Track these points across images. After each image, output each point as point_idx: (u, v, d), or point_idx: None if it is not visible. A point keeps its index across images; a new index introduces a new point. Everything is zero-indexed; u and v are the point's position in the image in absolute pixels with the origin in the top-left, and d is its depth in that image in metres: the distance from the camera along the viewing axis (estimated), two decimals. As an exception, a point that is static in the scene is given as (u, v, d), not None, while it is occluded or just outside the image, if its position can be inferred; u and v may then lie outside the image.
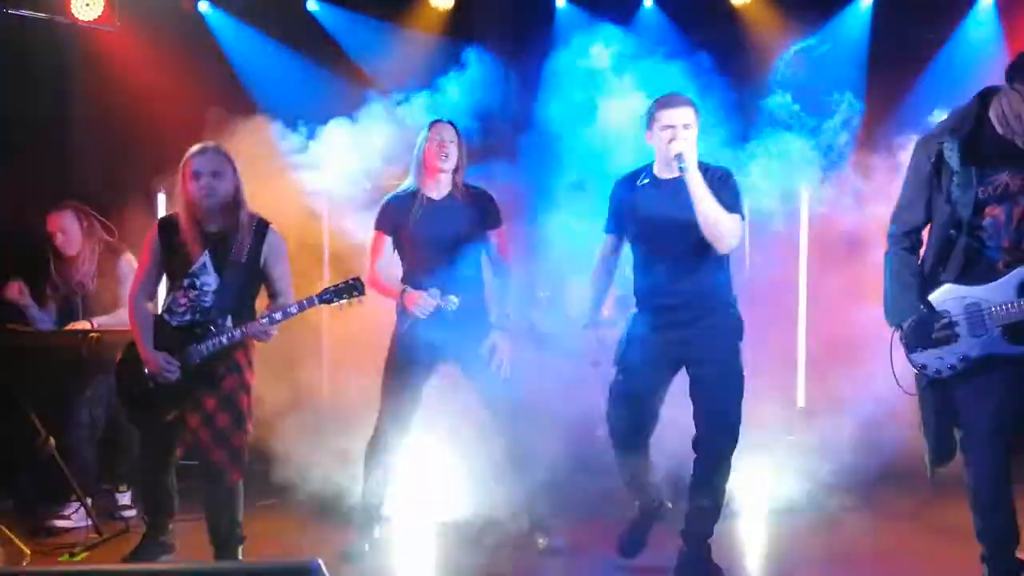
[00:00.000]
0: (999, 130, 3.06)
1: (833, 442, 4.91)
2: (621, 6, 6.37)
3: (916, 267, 3.22)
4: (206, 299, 3.75)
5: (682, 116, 3.58)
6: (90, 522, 4.49)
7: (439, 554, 4.31)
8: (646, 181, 3.70)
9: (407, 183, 4.19)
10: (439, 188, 4.12)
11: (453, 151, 4.07)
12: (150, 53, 6.14)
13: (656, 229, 3.64)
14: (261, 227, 3.80)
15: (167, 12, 6.30)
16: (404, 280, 4.12)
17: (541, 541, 4.15)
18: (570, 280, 5.77)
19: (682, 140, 3.53)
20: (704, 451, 3.62)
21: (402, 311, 4.09)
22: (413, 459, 4.70)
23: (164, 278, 3.93)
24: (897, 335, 3.23)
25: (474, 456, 4.72)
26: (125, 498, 4.89)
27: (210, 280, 3.76)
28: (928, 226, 3.24)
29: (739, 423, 3.61)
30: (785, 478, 4.74)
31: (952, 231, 3.12)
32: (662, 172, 3.68)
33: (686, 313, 3.61)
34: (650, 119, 3.66)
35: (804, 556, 4.15)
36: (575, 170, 5.85)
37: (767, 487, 4.74)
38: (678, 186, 3.56)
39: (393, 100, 5.53)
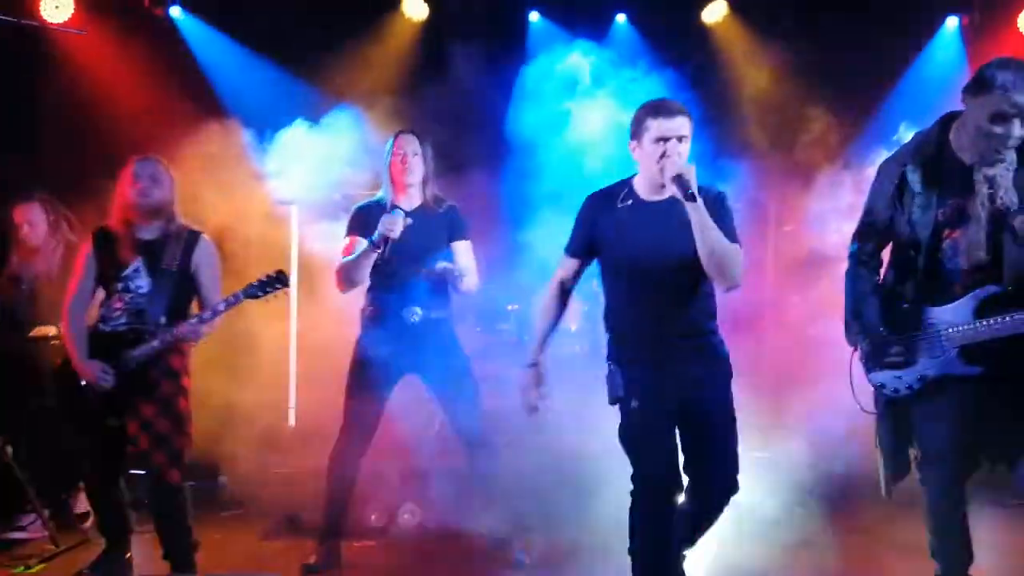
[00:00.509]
0: (957, 153, 3.11)
1: (796, 458, 4.95)
2: (594, 21, 6.40)
3: (876, 286, 3.26)
4: (140, 301, 3.80)
5: (678, 126, 3.11)
6: (47, 533, 4.43)
7: (402, 569, 4.29)
8: (629, 203, 3.21)
9: (379, 193, 4.19)
10: (409, 200, 4.11)
11: (416, 164, 4.06)
12: (120, 57, 6.10)
13: (643, 259, 3.16)
14: (192, 236, 3.89)
15: (137, 16, 6.26)
16: (369, 291, 4.10)
17: (511, 555, 4.13)
18: (538, 293, 5.80)
19: (679, 156, 3.08)
20: (706, 497, 3.23)
21: (365, 323, 4.07)
22: (377, 472, 4.70)
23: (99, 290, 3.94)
24: (856, 353, 3.27)
25: (440, 469, 4.73)
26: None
27: (143, 284, 3.81)
28: (889, 246, 3.28)
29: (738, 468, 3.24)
30: (748, 494, 4.76)
31: (912, 252, 3.16)
32: (648, 192, 3.21)
33: (677, 351, 3.16)
34: (637, 128, 3.18)
35: (765, 571, 4.16)
36: (548, 182, 5.88)
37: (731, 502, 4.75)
38: (668, 209, 3.12)
39: (364, 109, 5.54)
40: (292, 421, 5.77)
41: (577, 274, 3.38)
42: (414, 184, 4.08)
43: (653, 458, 3.13)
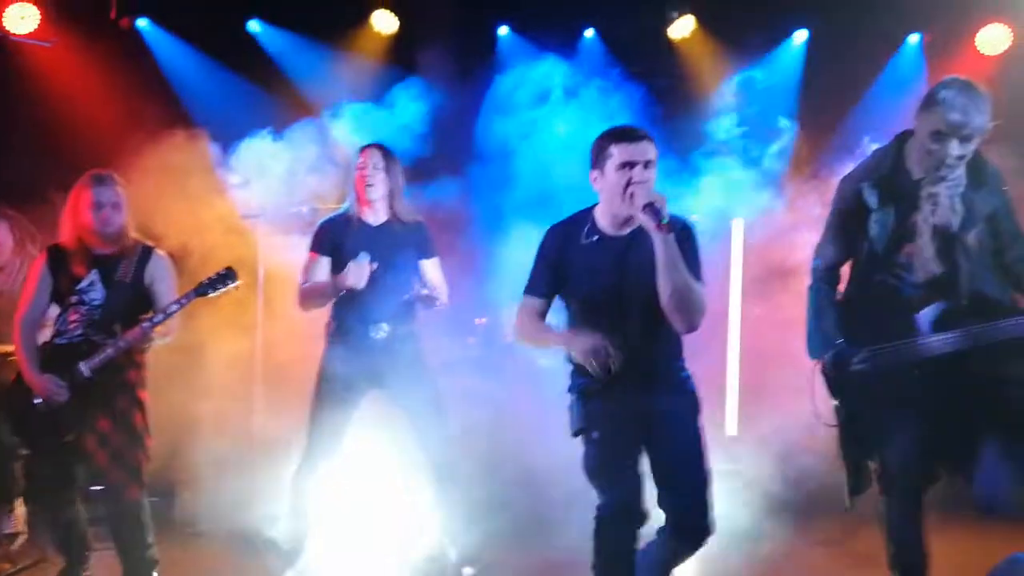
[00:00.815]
0: (910, 170, 3.17)
1: (762, 470, 4.99)
2: (562, 35, 6.44)
3: (836, 301, 3.30)
4: (95, 313, 3.79)
5: (643, 151, 2.95)
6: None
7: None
8: (594, 238, 3.06)
9: (345, 205, 4.16)
10: (376, 214, 4.08)
11: (379, 179, 4.01)
12: (86, 68, 6.06)
13: (610, 297, 3.03)
14: (146, 250, 3.91)
15: (104, 27, 6.22)
16: (334, 306, 4.08)
17: (466, 570, 4.12)
18: (508, 306, 5.81)
19: (646, 184, 2.92)
20: (678, 536, 3.12)
21: (330, 338, 4.05)
22: (340, 488, 4.68)
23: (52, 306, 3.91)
24: (818, 367, 3.31)
25: (402, 485, 4.71)
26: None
27: (98, 296, 3.81)
28: (850, 261, 3.33)
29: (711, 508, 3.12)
30: (715, 506, 4.79)
31: (870, 267, 3.21)
32: (613, 226, 3.05)
33: (641, 388, 3.04)
34: (599, 156, 3.01)
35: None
36: (517, 194, 5.91)
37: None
38: (634, 243, 3.01)
39: (332, 122, 5.54)
40: (256, 436, 5.73)
41: (544, 313, 3.18)
42: (376, 199, 4.05)
43: (615, 489, 3.02)
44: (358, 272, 3.86)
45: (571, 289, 3.11)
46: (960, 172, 3.08)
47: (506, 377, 5.47)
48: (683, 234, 2.99)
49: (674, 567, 3.22)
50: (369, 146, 4.10)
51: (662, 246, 2.87)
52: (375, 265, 3.88)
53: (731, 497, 4.80)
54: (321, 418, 4.00)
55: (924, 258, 3.13)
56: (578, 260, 3.06)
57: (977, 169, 3.13)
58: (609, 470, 3.03)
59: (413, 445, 4.17)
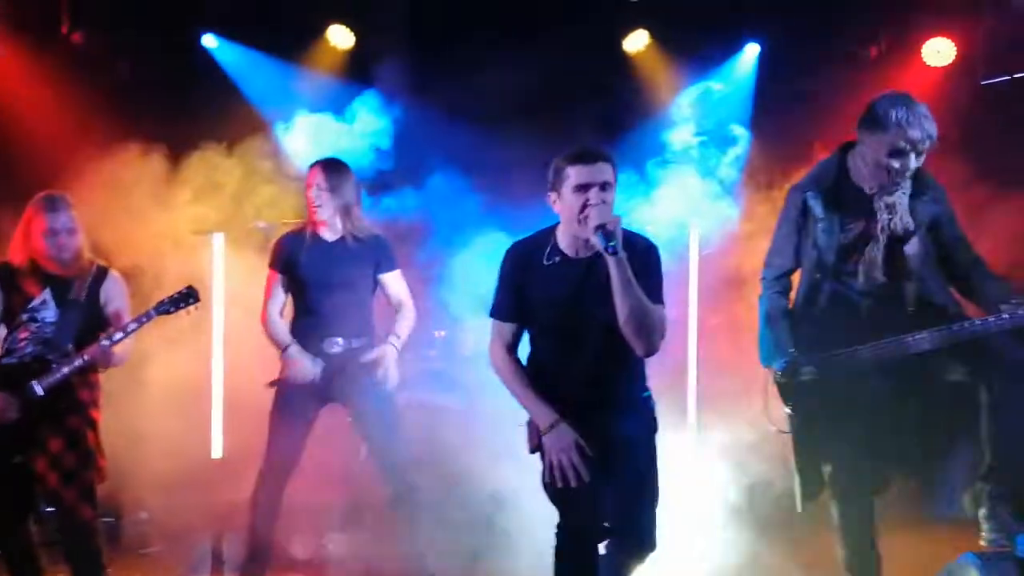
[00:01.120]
0: (854, 180, 3.24)
1: (719, 475, 5.04)
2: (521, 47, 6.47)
3: (787, 309, 3.36)
4: (47, 331, 3.76)
5: (600, 173, 2.90)
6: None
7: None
8: (556, 260, 3.01)
9: (302, 222, 4.15)
10: (332, 229, 4.07)
11: (325, 199, 3.98)
12: (36, 81, 5.97)
13: (573, 321, 2.99)
14: (101, 270, 3.88)
15: (55, 41, 6.14)
16: (294, 320, 4.08)
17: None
18: (467, 320, 5.82)
19: (602, 206, 2.86)
20: (625, 550, 3.14)
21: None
22: (303, 502, 4.65)
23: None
24: (770, 375, 3.36)
25: (367, 499, 4.69)
26: None
27: (50, 314, 3.78)
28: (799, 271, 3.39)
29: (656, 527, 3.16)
30: (670, 511, 4.83)
31: (818, 275, 3.28)
32: (573, 248, 3.01)
33: (601, 413, 3.04)
34: (556, 179, 2.97)
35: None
36: (475, 204, 5.94)
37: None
38: (594, 265, 2.95)
39: (288, 136, 5.53)
40: (218, 453, 5.67)
41: (518, 335, 3.14)
42: (326, 218, 4.02)
43: (574, 509, 3.04)
44: (302, 371, 3.90)
45: (532, 312, 3.07)
46: (909, 180, 3.16)
47: (466, 390, 5.48)
48: (644, 255, 2.97)
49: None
50: (315, 165, 4.08)
51: (615, 268, 2.85)
52: (318, 370, 3.93)
53: (688, 501, 4.84)
54: (279, 432, 3.99)
55: (873, 266, 3.20)
56: (539, 283, 3.02)
57: (918, 179, 3.21)
58: (567, 492, 3.01)
59: (370, 461, 4.15)
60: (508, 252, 3.13)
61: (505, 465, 5.13)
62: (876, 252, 3.20)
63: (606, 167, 2.93)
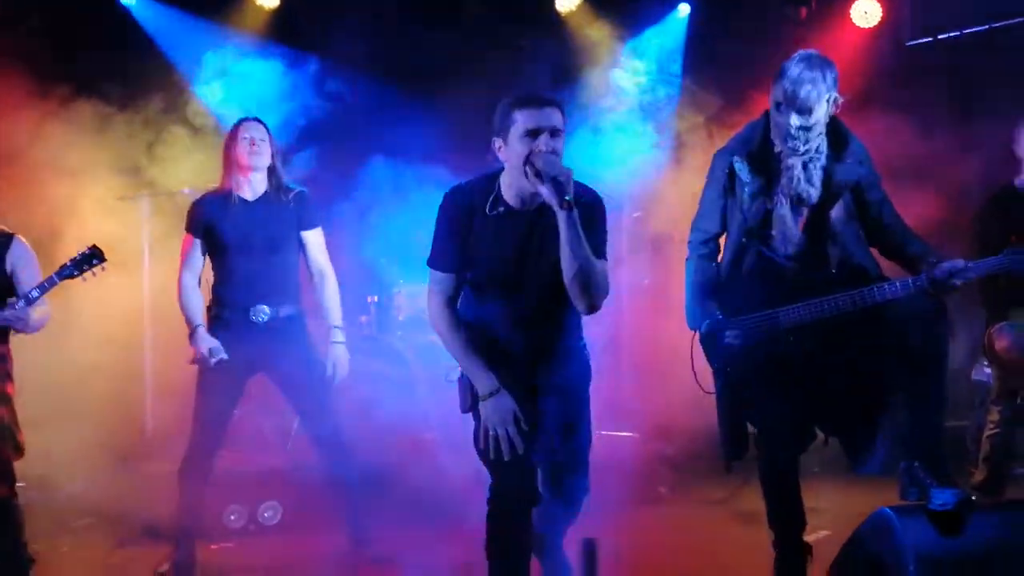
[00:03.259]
0: (776, 144, 3.27)
1: (651, 435, 5.14)
2: (448, 9, 6.40)
3: (713, 273, 3.39)
4: None
5: (549, 118, 2.77)
6: None
7: (263, 570, 4.21)
8: (500, 210, 2.90)
9: (219, 184, 4.03)
10: (253, 188, 3.97)
11: (264, 148, 3.94)
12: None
13: (515, 273, 2.92)
14: (5, 236, 3.72)
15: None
16: (214, 288, 3.98)
17: (364, 552, 4.10)
18: (398, 284, 5.79)
19: (552, 156, 2.74)
20: (560, 497, 3.17)
21: (210, 322, 3.93)
22: (236, 470, 4.61)
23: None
24: (696, 337, 3.40)
25: (301, 465, 4.67)
26: None
27: None
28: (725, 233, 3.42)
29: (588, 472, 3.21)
30: (600, 473, 4.90)
31: (744, 239, 3.30)
32: (518, 199, 2.89)
33: (540, 365, 3.04)
34: (503, 123, 2.83)
35: (611, 545, 4.29)
36: (405, 165, 5.87)
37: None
38: (540, 217, 2.87)
39: (211, 97, 5.38)
40: (149, 424, 5.58)
41: (458, 288, 3.01)
42: (261, 168, 3.94)
43: (507, 474, 2.97)
44: (203, 358, 3.81)
45: (472, 261, 2.96)
46: (817, 144, 3.19)
47: (400, 356, 5.46)
48: (590, 209, 2.88)
49: (562, 531, 3.28)
50: (248, 119, 4.02)
51: (565, 224, 2.73)
52: (224, 356, 3.81)
53: (621, 460, 4.93)
54: (205, 403, 3.89)
55: (788, 229, 3.24)
56: (482, 233, 2.91)
57: (838, 141, 3.24)
58: (500, 449, 2.96)
59: (301, 430, 4.12)
60: (449, 196, 2.96)
61: (440, 428, 5.17)
62: (788, 215, 3.23)
63: (555, 112, 2.80)
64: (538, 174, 2.73)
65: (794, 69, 3.11)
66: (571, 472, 3.16)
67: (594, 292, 2.82)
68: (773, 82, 3.17)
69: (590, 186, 2.97)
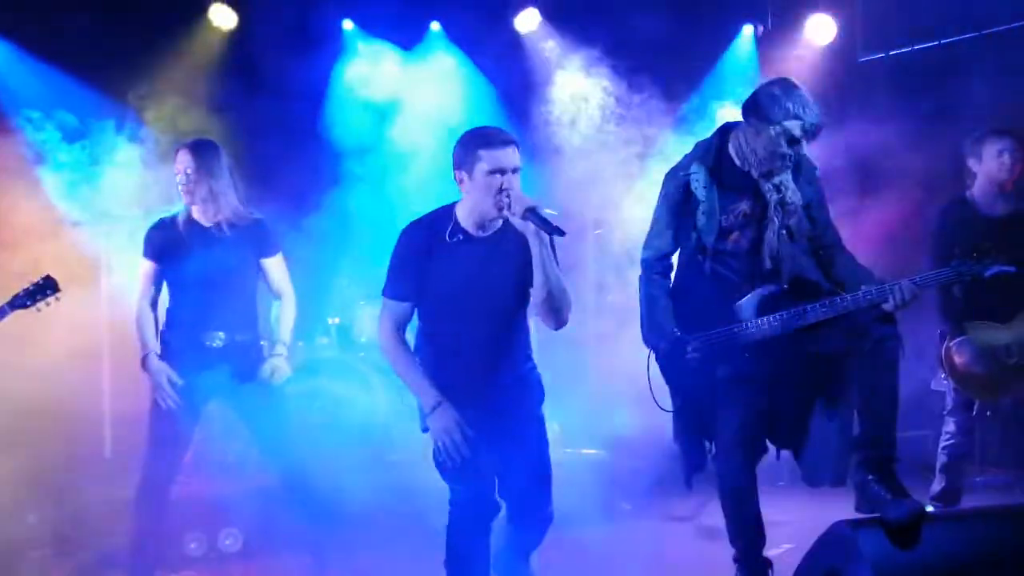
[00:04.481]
0: (737, 163, 3.30)
1: (616, 453, 5.15)
2: (408, 29, 6.41)
3: (668, 291, 3.41)
4: None
5: (511, 158, 3.02)
6: None
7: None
8: (459, 237, 3.09)
9: (177, 207, 3.96)
10: (205, 215, 3.88)
11: (193, 182, 3.78)
12: None
13: (471, 297, 3.09)
14: None
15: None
16: (169, 312, 3.92)
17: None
18: (360, 305, 5.77)
19: (519, 192, 3.00)
20: (525, 524, 3.29)
21: (164, 347, 3.86)
22: (196, 496, 4.55)
23: None
24: (653, 355, 3.41)
25: (261, 490, 4.61)
26: None
27: None
28: (678, 251, 3.44)
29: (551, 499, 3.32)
30: (564, 489, 4.90)
31: (699, 256, 3.33)
32: (476, 226, 3.10)
33: (495, 389, 3.16)
34: (466, 159, 3.04)
35: (577, 562, 4.29)
36: (365, 190, 5.87)
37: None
38: (497, 244, 3.10)
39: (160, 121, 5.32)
40: (108, 451, 5.50)
41: (409, 315, 3.19)
42: (197, 203, 3.85)
43: (464, 483, 3.14)
44: (162, 392, 3.76)
45: (430, 289, 3.12)
46: None
47: (360, 376, 5.43)
48: (553, 241, 3.05)
49: (525, 555, 3.35)
50: (181, 148, 3.88)
51: (539, 247, 2.97)
52: (180, 400, 3.76)
53: (585, 477, 4.93)
54: (160, 430, 3.82)
55: (768, 245, 3.27)
56: (442, 260, 3.08)
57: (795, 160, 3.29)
58: (460, 469, 3.09)
59: (259, 457, 4.06)
60: (406, 231, 3.16)
61: (401, 446, 5.14)
62: (772, 233, 3.27)
63: (516, 152, 3.05)
64: (524, 215, 2.96)
65: (797, 103, 3.13)
66: (533, 498, 3.25)
67: (564, 308, 3.08)
68: (763, 115, 3.16)
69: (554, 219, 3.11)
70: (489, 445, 3.12)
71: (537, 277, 3.00)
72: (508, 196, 2.97)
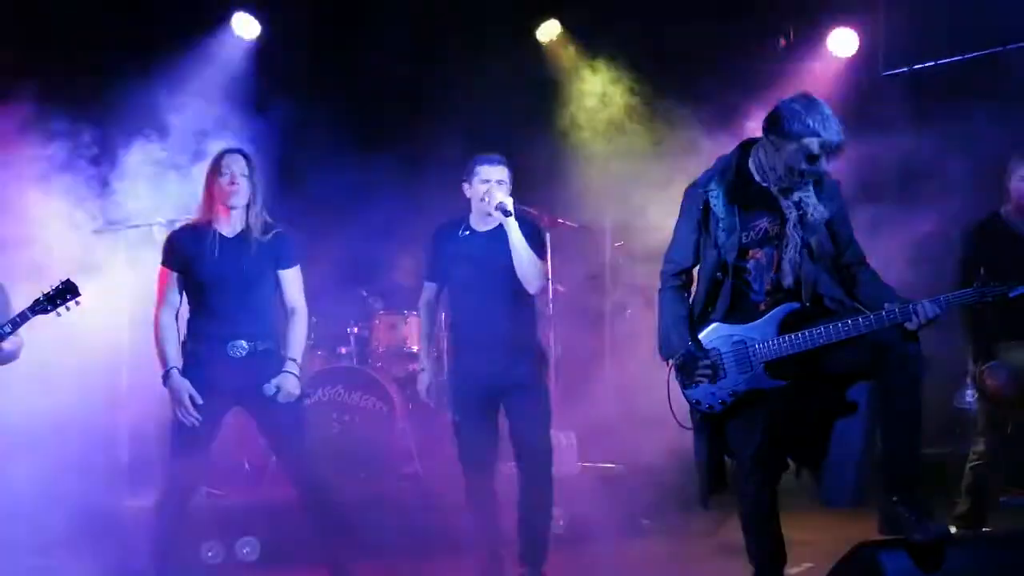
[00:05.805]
0: (757, 179, 3.28)
1: (635, 468, 5.12)
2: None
3: (686, 305, 3.39)
4: None
5: (498, 172, 4.06)
6: None
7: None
8: (467, 232, 4.13)
9: (197, 216, 3.96)
10: (231, 224, 3.89)
11: (244, 185, 3.82)
12: None
13: (477, 275, 4.03)
14: None
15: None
16: (190, 322, 3.92)
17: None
18: (379, 316, 5.78)
19: (499, 192, 3.99)
20: (528, 469, 4.02)
21: (186, 357, 3.85)
22: (213, 506, 4.56)
23: None
24: (672, 370, 3.38)
25: (279, 500, 4.62)
26: None
27: None
28: (698, 267, 3.42)
29: (550, 440, 4.10)
30: (584, 504, 4.88)
31: (719, 273, 3.30)
32: (480, 224, 4.12)
33: (502, 349, 4.00)
34: (470, 173, 4.08)
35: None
36: (386, 200, 5.88)
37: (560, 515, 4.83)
38: (495, 236, 4.05)
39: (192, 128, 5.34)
40: (126, 457, 5.51)
41: (438, 295, 4.24)
42: (238, 207, 3.87)
43: (468, 444, 4.05)
44: (183, 412, 3.76)
45: (455, 277, 4.13)
46: None
47: (380, 386, 5.43)
48: (530, 227, 4.10)
49: (539, 500, 4.01)
50: (231, 151, 3.91)
51: (512, 230, 3.96)
52: (200, 402, 3.77)
53: (604, 492, 4.91)
54: (179, 447, 3.81)
55: (789, 262, 3.24)
56: (457, 249, 4.10)
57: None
58: (464, 429, 4.04)
59: (279, 467, 4.06)
60: (436, 230, 4.24)
61: (422, 455, 5.13)
62: (793, 250, 3.23)
63: (504, 169, 4.11)
64: (491, 204, 3.99)
65: (818, 119, 3.09)
66: (532, 429, 4.01)
67: (533, 278, 4.01)
68: (783, 132, 3.13)
69: (530, 215, 4.39)
70: (490, 408, 4.04)
71: (512, 252, 3.96)
72: (488, 197, 3.97)
